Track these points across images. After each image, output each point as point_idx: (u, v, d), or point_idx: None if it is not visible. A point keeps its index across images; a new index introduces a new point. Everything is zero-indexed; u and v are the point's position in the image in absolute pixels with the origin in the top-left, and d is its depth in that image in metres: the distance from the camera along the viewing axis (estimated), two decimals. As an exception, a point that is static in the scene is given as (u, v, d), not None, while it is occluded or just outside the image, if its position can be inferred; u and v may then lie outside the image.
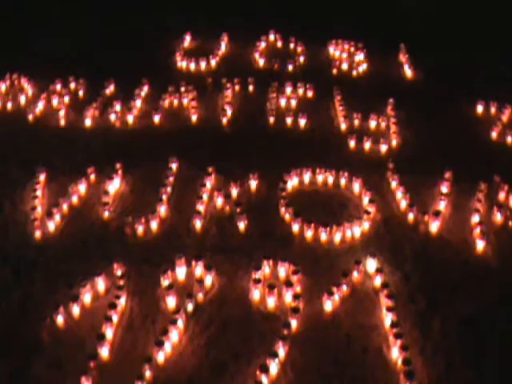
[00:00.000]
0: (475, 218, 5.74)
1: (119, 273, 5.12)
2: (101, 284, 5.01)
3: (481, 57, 8.64)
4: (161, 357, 4.46)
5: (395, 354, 4.50)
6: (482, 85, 7.94)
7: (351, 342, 4.64)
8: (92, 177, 6.22)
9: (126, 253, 5.38)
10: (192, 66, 8.44)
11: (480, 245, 5.49)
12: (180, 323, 4.68)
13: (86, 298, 4.90)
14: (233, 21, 9.48)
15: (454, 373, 4.43)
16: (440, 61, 8.55)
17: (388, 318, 4.74)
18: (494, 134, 7.08)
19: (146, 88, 7.82)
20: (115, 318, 4.73)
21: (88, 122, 7.15)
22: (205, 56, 8.52)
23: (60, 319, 4.71)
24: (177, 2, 10.08)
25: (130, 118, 7.23)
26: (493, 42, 8.98)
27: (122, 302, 4.88)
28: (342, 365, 4.47)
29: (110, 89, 7.80)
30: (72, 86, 7.82)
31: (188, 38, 9.18)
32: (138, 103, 7.52)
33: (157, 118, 7.25)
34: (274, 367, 4.38)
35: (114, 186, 6.14)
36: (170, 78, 8.10)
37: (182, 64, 8.50)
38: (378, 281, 5.09)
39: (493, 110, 7.52)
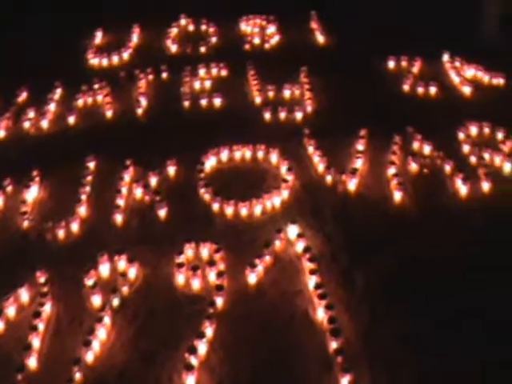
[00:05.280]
0: (391, 171, 5.81)
1: (42, 280, 5.04)
2: (24, 295, 4.93)
3: (389, 15, 8.62)
4: (90, 356, 4.42)
5: (321, 314, 4.55)
6: (393, 41, 7.91)
7: (277, 311, 4.67)
8: (9, 188, 6.09)
9: (49, 259, 5.29)
10: (104, 62, 8.30)
11: (397, 196, 5.55)
12: (106, 320, 4.66)
13: (10, 311, 4.82)
14: (143, 11, 9.34)
15: (379, 325, 4.50)
16: (350, 23, 8.53)
17: (312, 281, 4.78)
18: (405, 87, 7.14)
19: (59, 91, 7.67)
20: (41, 326, 4.66)
21: (1, 134, 7.00)
22: (117, 50, 8.42)
23: (-16, 337, 4.65)
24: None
25: (45, 123, 7.09)
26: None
27: (47, 308, 4.81)
28: (270, 334, 4.50)
29: (23, 96, 7.64)
30: (-18, 99, 7.67)
31: (99, 34, 9.02)
32: (52, 107, 7.37)
33: (71, 119, 7.13)
34: (202, 347, 4.39)
35: (32, 193, 6.04)
36: (83, 77, 7.93)
37: (93, 61, 8.34)
38: (300, 246, 5.12)
39: (404, 63, 7.57)
